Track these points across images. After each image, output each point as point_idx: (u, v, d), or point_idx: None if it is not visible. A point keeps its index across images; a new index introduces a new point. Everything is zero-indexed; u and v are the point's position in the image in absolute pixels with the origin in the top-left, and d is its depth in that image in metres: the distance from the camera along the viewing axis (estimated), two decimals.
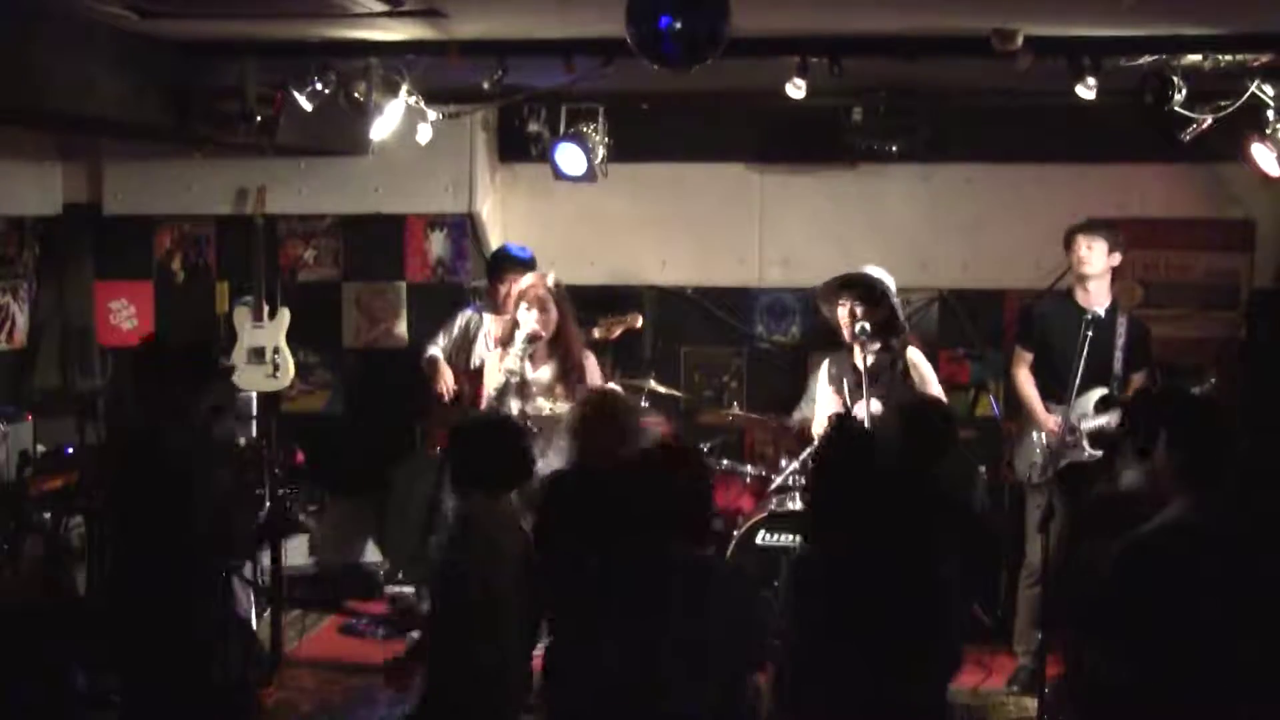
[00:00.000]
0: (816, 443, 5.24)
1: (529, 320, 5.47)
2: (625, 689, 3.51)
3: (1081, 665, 3.71)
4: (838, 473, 3.77)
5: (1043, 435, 5.78)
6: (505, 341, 5.60)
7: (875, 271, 5.81)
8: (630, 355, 7.45)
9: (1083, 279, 5.82)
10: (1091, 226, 5.91)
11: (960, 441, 4.50)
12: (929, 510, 4.00)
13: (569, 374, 5.52)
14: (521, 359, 5.41)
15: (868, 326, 5.54)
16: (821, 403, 5.84)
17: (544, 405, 5.56)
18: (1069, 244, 5.90)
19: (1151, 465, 3.53)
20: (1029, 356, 5.96)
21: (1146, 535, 3.45)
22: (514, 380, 5.42)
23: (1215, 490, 3.41)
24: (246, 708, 4.50)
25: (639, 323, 6.77)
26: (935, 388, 5.71)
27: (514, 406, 5.49)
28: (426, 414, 6.65)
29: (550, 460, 5.30)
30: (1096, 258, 5.79)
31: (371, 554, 7.41)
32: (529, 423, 5.50)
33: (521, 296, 5.55)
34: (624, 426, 4.48)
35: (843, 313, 5.61)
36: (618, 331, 6.73)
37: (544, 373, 5.52)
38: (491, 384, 5.52)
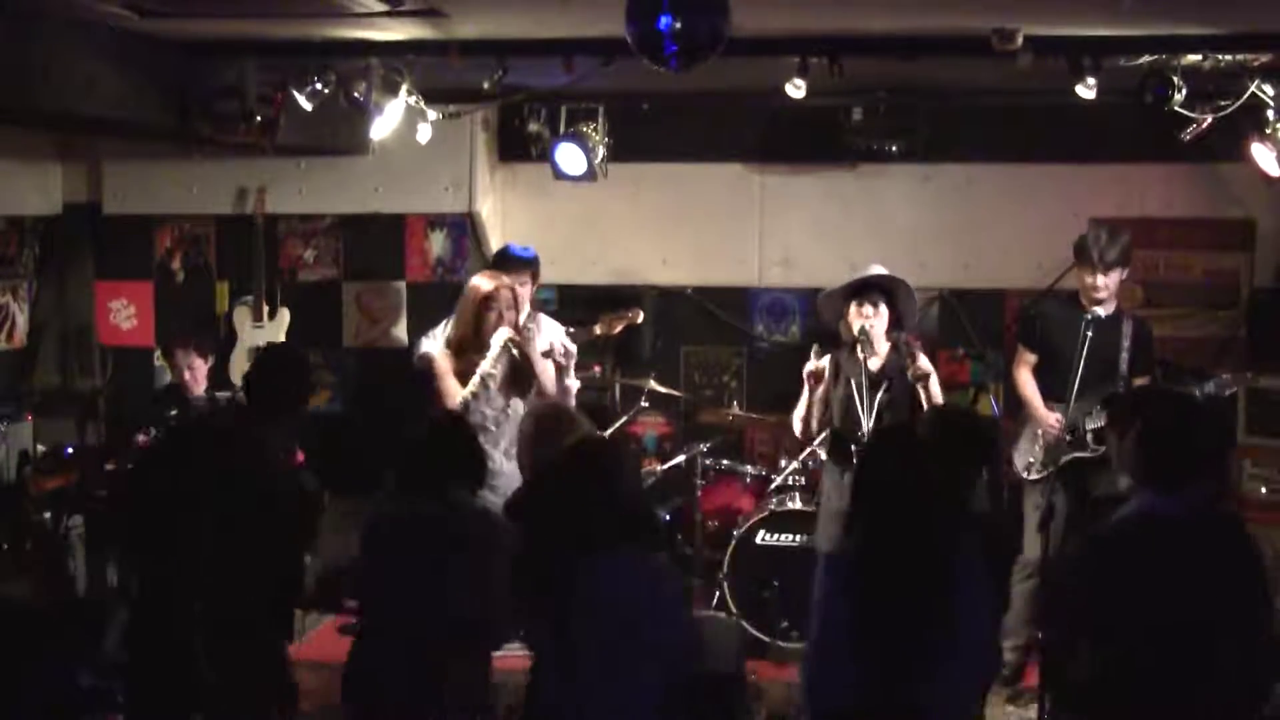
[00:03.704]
0: (865, 443, 5.19)
1: (509, 320, 5.54)
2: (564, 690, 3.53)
3: (1061, 661, 3.74)
4: (882, 476, 3.76)
5: (1040, 431, 5.77)
6: (461, 346, 5.64)
7: (883, 271, 5.79)
8: (630, 355, 7.46)
9: (1095, 302, 5.69)
10: (1108, 254, 5.62)
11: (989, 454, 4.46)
12: (956, 514, 3.98)
13: (521, 371, 5.59)
14: (497, 362, 5.47)
15: (869, 328, 5.52)
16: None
17: (499, 402, 5.64)
18: (1085, 265, 5.69)
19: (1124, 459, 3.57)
20: (1032, 358, 5.91)
21: (1108, 529, 3.47)
22: (492, 384, 5.48)
23: (1182, 486, 3.42)
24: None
25: (640, 318, 6.76)
26: (936, 392, 5.65)
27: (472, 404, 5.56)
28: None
29: (506, 455, 5.44)
30: (1114, 284, 5.69)
31: None
32: (487, 420, 5.60)
33: (491, 299, 5.59)
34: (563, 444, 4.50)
35: (860, 312, 5.54)
36: (619, 327, 6.72)
37: (500, 370, 5.60)
38: (469, 387, 5.55)
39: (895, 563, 3.54)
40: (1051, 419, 5.70)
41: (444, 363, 5.74)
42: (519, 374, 5.62)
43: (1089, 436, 5.64)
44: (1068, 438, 5.63)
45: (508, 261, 6.53)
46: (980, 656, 3.66)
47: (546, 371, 5.69)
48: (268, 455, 4.34)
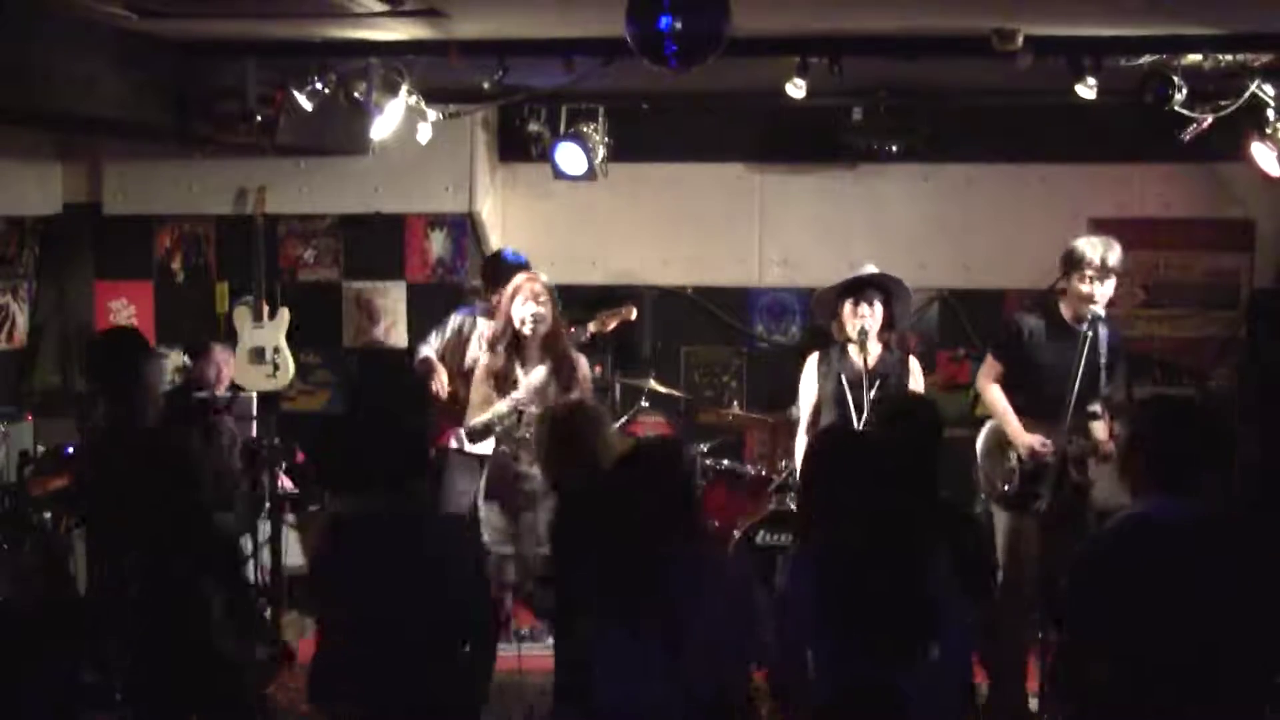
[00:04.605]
0: (808, 444, 5.22)
1: (525, 312, 5.46)
2: (634, 685, 3.54)
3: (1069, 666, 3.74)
4: (829, 472, 3.78)
5: (1015, 454, 5.38)
6: (496, 341, 5.59)
7: (874, 270, 5.79)
8: (630, 355, 7.46)
9: (1081, 316, 5.33)
10: (1110, 258, 5.28)
11: (943, 439, 4.41)
12: (923, 508, 3.99)
13: (561, 374, 5.49)
14: (511, 415, 5.38)
15: (867, 327, 5.52)
16: (808, 398, 5.77)
17: (535, 408, 5.44)
18: (1082, 272, 5.34)
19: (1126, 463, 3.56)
20: (999, 368, 5.54)
21: (1107, 532, 3.47)
22: (496, 426, 5.41)
23: (1183, 489, 3.42)
24: (250, 704, 4.49)
25: (633, 315, 6.73)
26: None
27: (504, 407, 5.49)
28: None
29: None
30: (1111, 292, 5.36)
31: None
32: (521, 426, 5.49)
33: (517, 291, 5.52)
34: (590, 443, 4.43)
35: (856, 311, 5.52)
36: (613, 324, 6.69)
37: (536, 374, 5.47)
38: (477, 417, 5.50)
39: (857, 555, 3.55)
40: (1036, 443, 5.29)
41: (439, 364, 5.70)
42: (560, 381, 5.49)
43: (1072, 469, 5.25)
44: (1050, 458, 5.20)
45: (500, 267, 6.52)
46: (961, 647, 3.67)
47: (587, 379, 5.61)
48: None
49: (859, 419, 5.42)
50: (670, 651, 3.53)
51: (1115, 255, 5.35)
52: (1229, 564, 3.36)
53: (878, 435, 4.47)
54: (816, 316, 5.84)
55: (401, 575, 3.97)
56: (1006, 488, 5.42)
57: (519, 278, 5.62)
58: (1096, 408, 5.27)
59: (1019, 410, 5.43)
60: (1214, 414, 3.61)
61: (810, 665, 3.58)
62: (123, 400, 4.54)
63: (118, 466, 4.28)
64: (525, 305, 5.44)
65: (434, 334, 6.63)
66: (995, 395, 5.53)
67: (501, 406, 5.44)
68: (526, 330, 5.40)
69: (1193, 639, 3.32)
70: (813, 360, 5.76)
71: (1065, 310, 5.44)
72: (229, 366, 6.67)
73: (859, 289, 5.59)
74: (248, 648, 4.42)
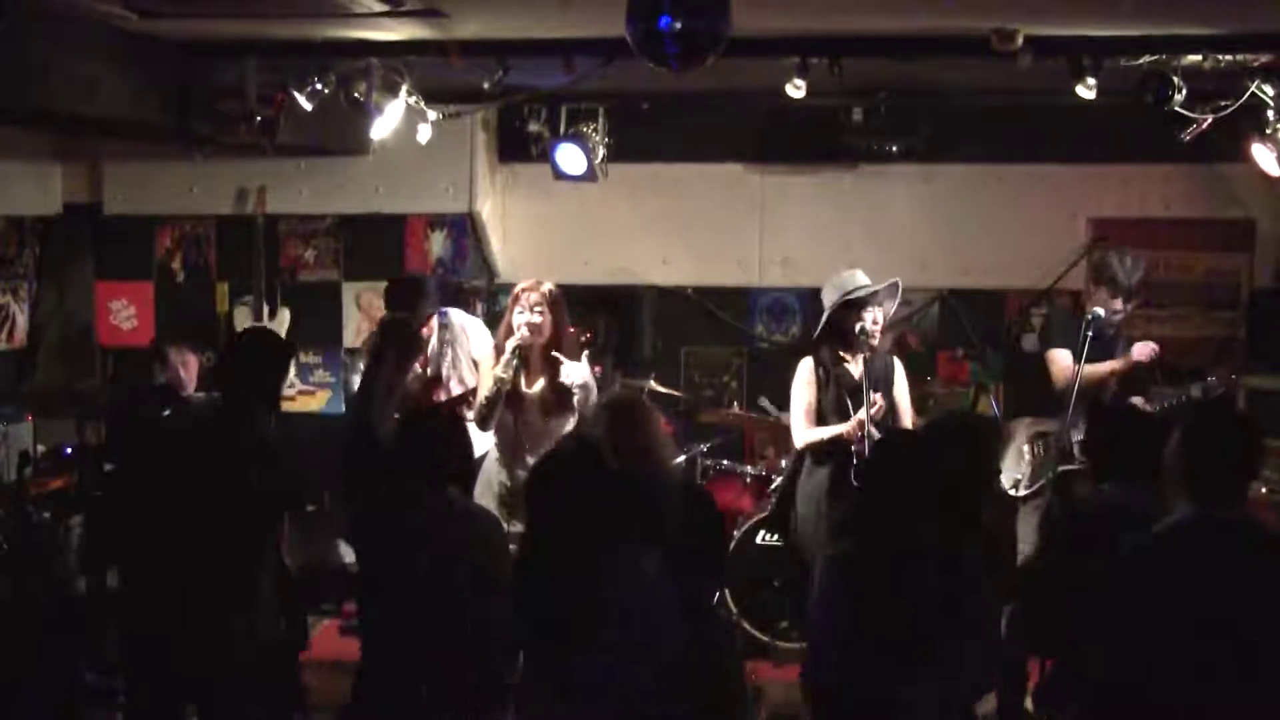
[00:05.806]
0: (869, 445, 5.17)
1: (519, 321, 5.36)
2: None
3: (1082, 668, 3.73)
4: (887, 477, 3.78)
5: (1025, 447, 5.62)
6: (500, 347, 5.51)
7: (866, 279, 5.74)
8: (630, 355, 7.46)
9: (1110, 324, 5.62)
10: (1134, 281, 5.61)
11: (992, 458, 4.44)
12: (956, 513, 3.99)
13: (564, 387, 5.39)
14: (510, 367, 5.30)
15: (870, 331, 5.51)
16: (801, 401, 5.68)
17: (536, 420, 5.38)
18: (1112, 290, 5.65)
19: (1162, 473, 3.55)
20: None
21: (1156, 537, 3.46)
22: (504, 388, 5.31)
23: (1224, 493, 3.42)
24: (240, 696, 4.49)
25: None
26: (906, 399, 5.67)
27: (508, 420, 5.39)
28: None
29: None
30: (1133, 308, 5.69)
31: None
32: (522, 438, 5.40)
33: (516, 300, 5.44)
34: (650, 431, 4.39)
35: (862, 317, 5.49)
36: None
37: (538, 385, 5.39)
38: (481, 392, 5.45)
39: (894, 564, 3.56)
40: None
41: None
42: (560, 397, 5.35)
43: (1075, 449, 5.47)
44: (1058, 445, 5.45)
45: (404, 290, 6.31)
46: (974, 655, 3.67)
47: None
48: (243, 440, 4.35)
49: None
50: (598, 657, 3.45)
51: (1140, 278, 5.65)
52: (1270, 570, 3.36)
53: (917, 450, 4.46)
54: (825, 326, 5.69)
55: (424, 574, 3.99)
56: (1018, 479, 5.64)
57: (519, 285, 5.53)
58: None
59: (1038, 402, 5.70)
60: (1254, 423, 3.60)
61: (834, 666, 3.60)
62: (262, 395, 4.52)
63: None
64: (520, 314, 5.36)
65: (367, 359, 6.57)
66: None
67: (493, 377, 5.39)
68: (511, 347, 5.33)
69: (1235, 644, 3.31)
70: (806, 365, 5.67)
71: (1088, 312, 5.61)
72: (187, 369, 6.58)
73: (874, 299, 5.54)
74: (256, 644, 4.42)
